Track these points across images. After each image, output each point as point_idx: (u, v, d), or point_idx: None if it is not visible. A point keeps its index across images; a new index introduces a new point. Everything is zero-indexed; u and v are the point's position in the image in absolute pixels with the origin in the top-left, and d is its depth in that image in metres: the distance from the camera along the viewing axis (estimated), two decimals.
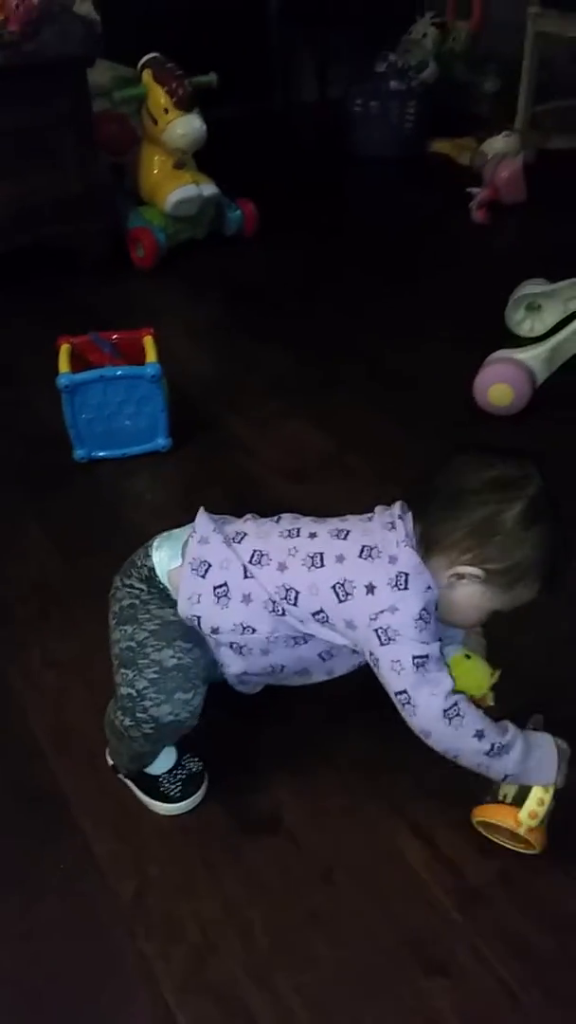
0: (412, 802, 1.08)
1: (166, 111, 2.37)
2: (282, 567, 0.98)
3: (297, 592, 0.97)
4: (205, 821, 1.08)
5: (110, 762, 1.12)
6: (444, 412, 1.85)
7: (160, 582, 1.04)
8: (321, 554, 0.97)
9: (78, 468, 1.71)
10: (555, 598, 1.00)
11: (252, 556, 1.00)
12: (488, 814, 1.00)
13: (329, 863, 1.03)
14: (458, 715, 0.93)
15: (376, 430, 1.80)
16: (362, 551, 0.96)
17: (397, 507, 1.00)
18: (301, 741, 1.17)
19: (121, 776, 1.11)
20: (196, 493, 1.60)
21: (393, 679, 0.94)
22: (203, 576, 1.00)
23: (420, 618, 0.93)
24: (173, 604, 1.03)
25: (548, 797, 0.96)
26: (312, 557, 0.97)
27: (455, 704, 0.93)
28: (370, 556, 0.96)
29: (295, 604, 0.97)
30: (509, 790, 0.99)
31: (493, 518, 0.93)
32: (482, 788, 1.02)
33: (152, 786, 1.08)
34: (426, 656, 0.93)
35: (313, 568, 0.97)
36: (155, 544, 1.07)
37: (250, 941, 0.96)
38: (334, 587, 0.95)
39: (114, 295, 2.36)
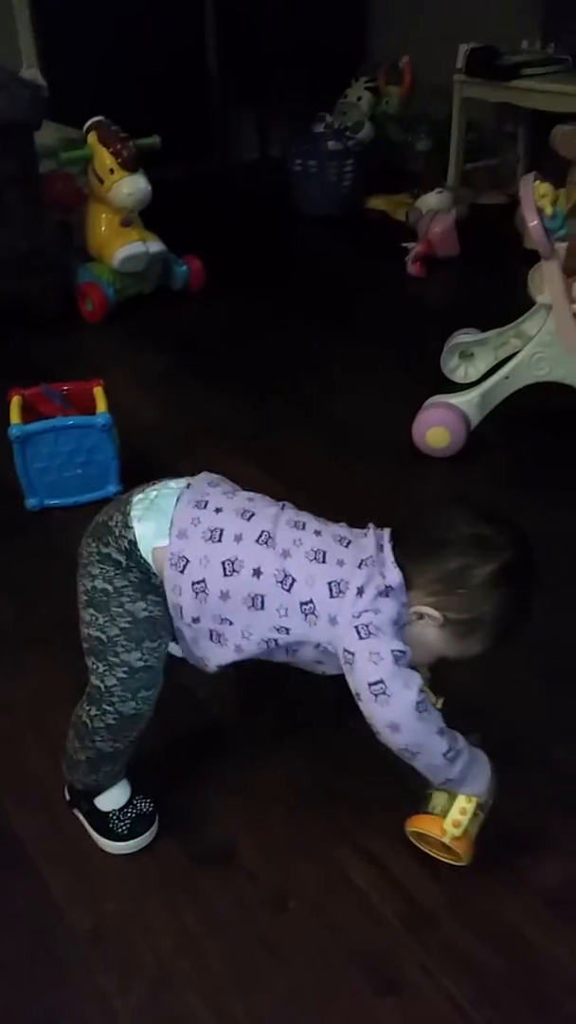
0: (359, 828, 1.13)
1: (112, 171, 2.45)
2: (286, 554, 1.00)
3: (294, 579, 0.99)
4: (159, 855, 1.11)
5: (67, 796, 1.14)
6: (385, 454, 1.92)
7: (142, 557, 1.01)
8: (325, 552, 1.00)
9: (30, 516, 1.74)
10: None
11: (260, 536, 1.00)
12: (418, 824, 1.04)
13: (282, 891, 1.06)
14: (427, 710, 0.98)
15: (321, 471, 1.87)
16: (361, 563, 1.00)
17: (386, 534, 1.04)
18: (247, 773, 1.20)
19: (77, 813, 1.13)
20: None
21: (370, 670, 0.96)
22: (182, 572, 0.99)
23: (396, 623, 0.98)
24: (146, 592, 1.02)
25: (470, 808, 1.01)
26: (316, 552, 1.00)
27: (424, 700, 0.98)
28: (366, 566, 1.00)
29: (288, 591, 0.99)
30: (438, 802, 1.03)
31: (464, 571, 0.97)
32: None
33: (102, 823, 1.11)
34: (404, 652, 0.97)
35: (315, 562, 1.00)
36: (135, 513, 1.02)
37: (205, 970, 0.99)
38: (330, 584, 0.99)
39: (64, 348, 2.41)
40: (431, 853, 1.07)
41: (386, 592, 0.98)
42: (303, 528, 1.02)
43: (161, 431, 2.05)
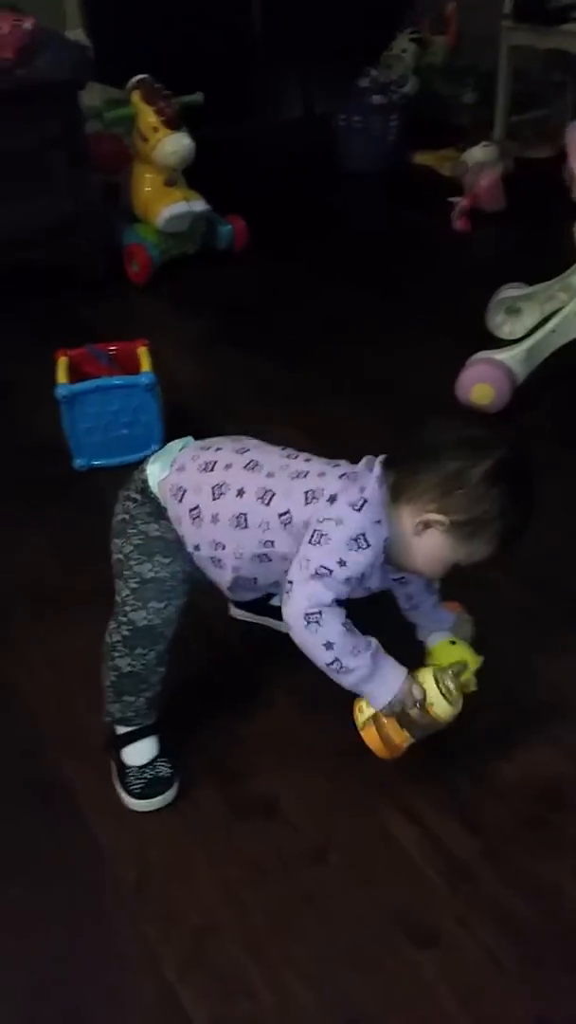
0: (400, 784, 1.13)
1: (155, 130, 2.43)
2: (270, 475, 1.08)
3: (273, 494, 1.06)
4: (202, 808, 1.13)
5: (105, 738, 1.17)
6: (430, 412, 1.89)
7: (152, 492, 1.13)
8: (308, 471, 1.07)
9: (77, 476, 1.76)
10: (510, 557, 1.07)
11: (248, 463, 1.09)
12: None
13: (322, 845, 1.08)
14: (317, 623, 1.00)
15: (362, 433, 1.84)
16: (343, 475, 1.06)
17: (380, 457, 1.08)
18: (286, 732, 1.22)
19: (111, 760, 1.16)
20: None
21: (294, 569, 1.02)
22: (180, 501, 1.10)
23: (356, 539, 1.01)
24: (159, 518, 1.12)
25: (369, 710, 1.06)
26: (299, 472, 1.08)
27: (319, 613, 1.00)
28: (346, 478, 1.06)
29: (268, 504, 1.05)
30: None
31: (461, 472, 1.01)
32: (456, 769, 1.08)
33: (122, 776, 1.14)
34: (330, 571, 1.00)
35: (297, 479, 1.07)
36: (151, 458, 1.17)
37: (247, 921, 1.01)
38: (306, 492, 1.05)
39: (110, 310, 2.41)
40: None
41: (359, 505, 1.01)
42: (294, 457, 1.11)
43: (205, 392, 2.05)
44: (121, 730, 1.15)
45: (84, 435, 1.71)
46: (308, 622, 1.00)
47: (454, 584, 1.19)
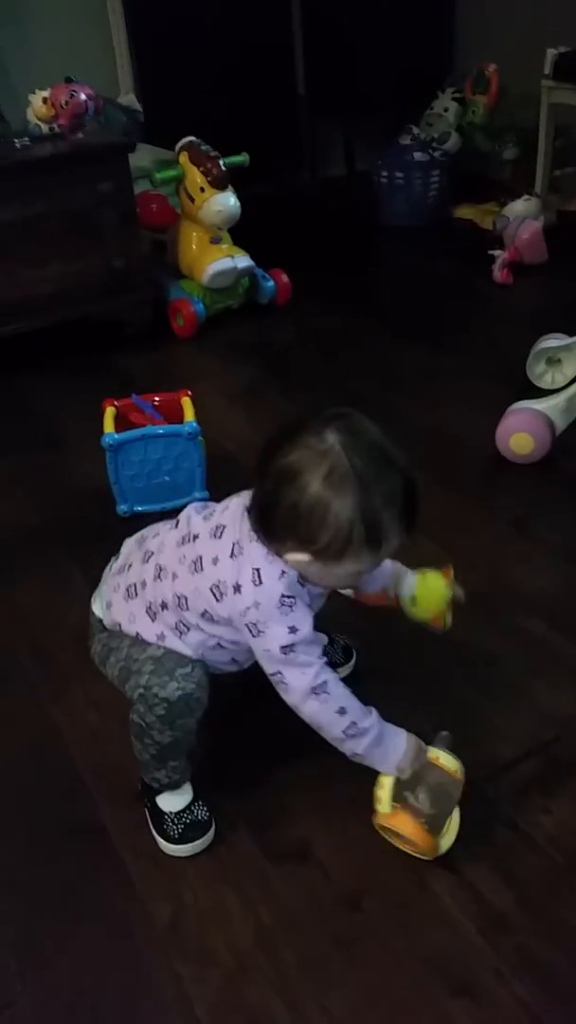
0: None
1: (202, 190, 2.52)
2: (175, 576, 1.07)
3: (186, 597, 1.06)
4: (237, 851, 1.13)
5: (139, 787, 1.18)
6: (470, 462, 1.92)
7: (107, 626, 1.15)
8: (201, 557, 1.05)
9: (121, 522, 1.80)
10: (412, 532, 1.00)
11: (156, 572, 1.09)
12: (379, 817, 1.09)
13: (356, 891, 1.07)
14: (325, 692, 1.03)
15: None
16: (232, 549, 1.02)
17: (243, 500, 1.05)
18: (321, 777, 1.21)
19: (145, 807, 1.17)
20: None
21: (268, 664, 1.04)
22: (122, 631, 1.12)
23: (282, 604, 1.00)
24: None
25: (388, 783, 1.07)
26: (195, 562, 1.05)
27: (324, 683, 1.03)
28: (239, 554, 1.02)
29: (188, 608, 1.06)
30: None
31: (295, 504, 0.94)
32: (494, 818, 1.07)
33: (159, 823, 1.14)
34: (292, 644, 1.01)
35: (196, 573, 1.05)
36: (93, 597, 1.20)
37: (280, 966, 1.01)
38: (211, 589, 1.04)
39: (155, 362, 2.49)
40: (399, 846, 1.10)
41: (258, 578, 1.00)
42: (191, 541, 1.07)
43: (248, 441, 2.08)
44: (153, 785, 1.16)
45: (128, 482, 1.76)
46: (317, 694, 1.03)
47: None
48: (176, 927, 1.06)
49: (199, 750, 1.16)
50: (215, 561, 1.03)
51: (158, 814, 1.15)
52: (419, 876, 1.08)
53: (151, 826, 1.15)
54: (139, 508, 1.80)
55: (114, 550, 1.73)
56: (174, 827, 1.13)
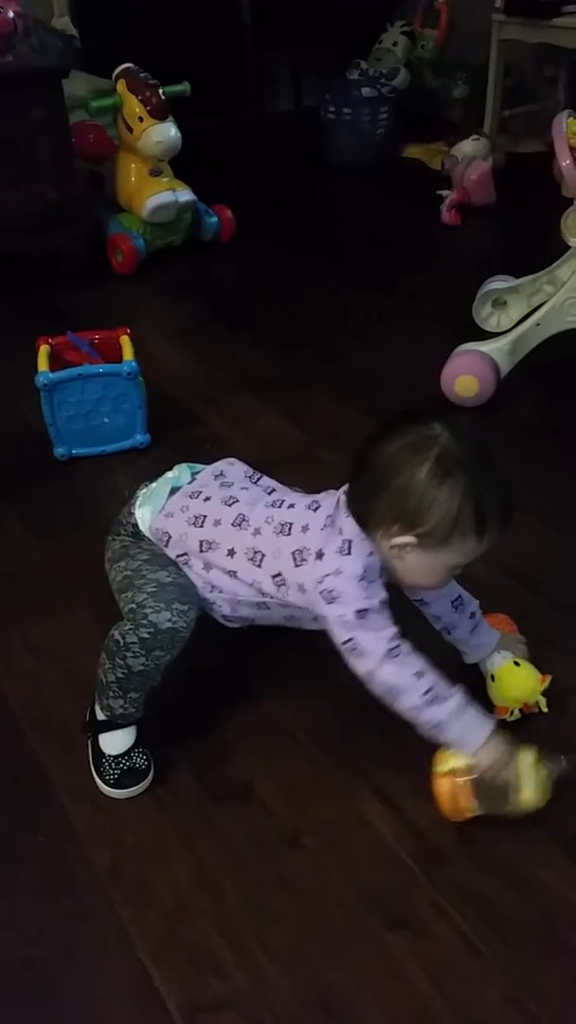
0: (373, 769, 1.13)
1: (141, 120, 2.42)
2: (257, 532, 1.08)
3: (264, 555, 1.07)
4: (178, 792, 1.12)
5: (86, 718, 1.16)
6: (414, 404, 1.89)
7: (144, 535, 1.15)
8: (291, 524, 1.07)
9: (58, 466, 1.75)
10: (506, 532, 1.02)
11: (235, 519, 1.10)
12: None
13: (297, 829, 1.08)
14: (400, 655, 1.00)
15: (347, 423, 1.85)
16: (325, 522, 1.05)
17: (344, 487, 1.07)
18: (264, 716, 1.21)
19: (87, 740, 1.15)
20: None
21: (340, 631, 1.02)
22: (166, 545, 1.13)
23: (363, 578, 1.01)
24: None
25: (462, 764, 1.01)
26: (283, 525, 1.07)
27: (398, 646, 1.00)
28: (330, 526, 1.05)
29: (260, 566, 1.07)
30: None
31: (406, 485, 0.97)
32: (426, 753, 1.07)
33: (98, 762, 1.13)
34: (367, 609, 1.01)
35: (281, 535, 1.07)
36: (138, 501, 1.18)
37: (221, 903, 1.01)
38: (293, 553, 1.05)
39: (94, 299, 2.41)
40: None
41: (347, 549, 1.01)
42: (279, 506, 1.10)
43: (189, 382, 2.05)
44: (103, 715, 1.14)
45: (65, 424, 1.71)
46: (393, 657, 1.00)
47: None
48: (117, 869, 1.05)
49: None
50: (304, 529, 1.06)
51: (98, 754, 1.13)
52: (360, 813, 1.09)
53: (91, 763, 1.14)
54: (78, 451, 1.75)
55: (55, 495, 1.70)
56: (111, 771, 1.12)
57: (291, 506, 1.10)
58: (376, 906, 0.99)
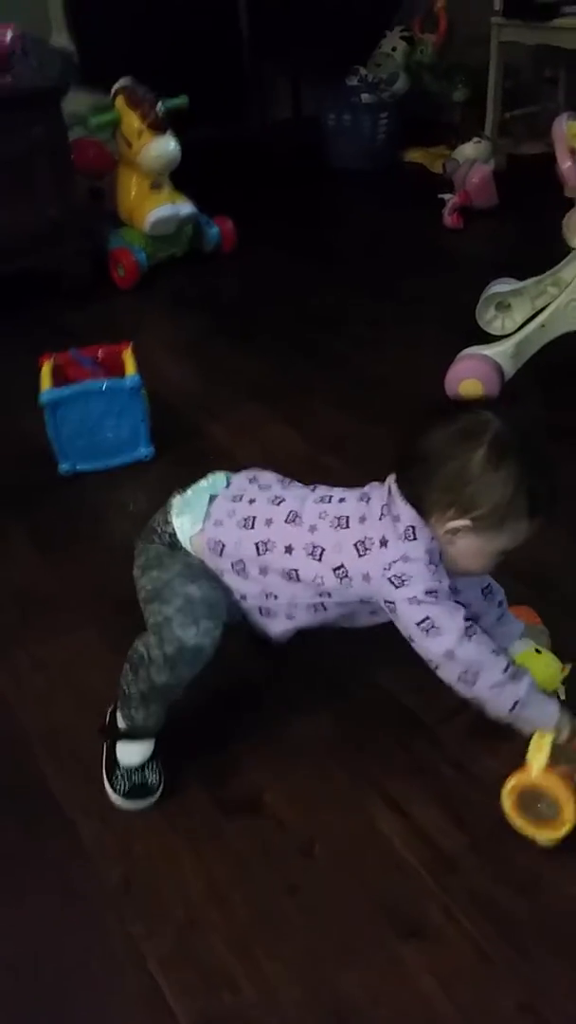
0: (385, 777, 1.13)
1: (140, 134, 2.44)
2: (313, 528, 1.07)
3: (323, 549, 1.06)
4: (188, 805, 1.12)
5: (107, 720, 1.16)
6: (418, 410, 1.89)
7: (181, 545, 1.13)
8: (348, 517, 1.07)
9: (63, 481, 1.76)
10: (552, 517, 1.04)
11: (288, 516, 1.09)
12: (507, 785, 1.03)
13: (308, 839, 1.07)
14: (477, 633, 1.01)
15: (352, 430, 1.85)
16: (382, 511, 1.06)
17: (392, 476, 1.08)
18: (274, 726, 1.21)
19: (104, 745, 1.15)
20: None
21: (414, 612, 1.01)
22: (220, 555, 1.10)
23: (430, 562, 1.02)
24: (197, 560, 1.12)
25: (547, 742, 1.00)
26: (339, 519, 1.07)
27: (472, 624, 1.02)
28: (387, 514, 1.05)
29: (320, 560, 1.06)
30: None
31: (462, 469, 0.99)
32: (448, 762, 1.06)
33: (111, 770, 1.13)
34: (436, 590, 1.02)
35: (339, 528, 1.06)
36: (175, 510, 1.15)
37: (232, 916, 1.00)
38: (356, 544, 1.05)
39: (96, 314, 2.42)
40: (531, 832, 1.03)
41: (411, 534, 1.02)
42: (329, 501, 1.10)
43: (194, 393, 2.05)
44: (123, 724, 1.14)
45: (69, 440, 1.71)
46: (471, 635, 1.01)
47: None
48: (128, 885, 1.04)
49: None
50: (362, 520, 1.06)
51: (113, 762, 1.13)
52: (369, 820, 1.09)
53: (103, 768, 1.14)
54: (82, 466, 1.76)
55: (60, 511, 1.71)
56: (122, 782, 1.12)
57: (341, 500, 1.10)
58: (388, 915, 0.99)
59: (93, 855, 1.08)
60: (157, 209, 2.48)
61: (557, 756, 1.01)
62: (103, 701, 1.18)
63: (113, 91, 2.51)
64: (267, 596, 1.10)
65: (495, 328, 2.12)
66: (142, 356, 1.79)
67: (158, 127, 2.43)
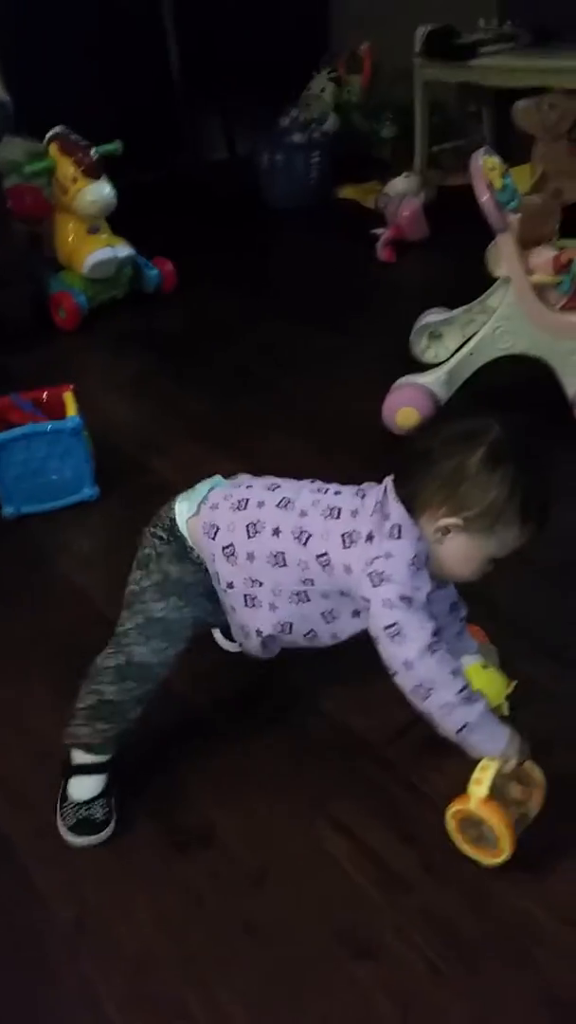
0: (334, 802, 1.14)
1: (75, 180, 2.48)
2: (303, 513, 1.09)
3: (310, 535, 1.07)
4: (139, 842, 1.12)
5: (65, 741, 1.16)
6: (360, 439, 1.94)
7: (179, 531, 1.14)
8: (340, 508, 1.08)
9: (8, 525, 1.76)
10: (543, 531, 1.06)
11: (280, 501, 1.10)
12: (450, 809, 1.04)
13: (260, 868, 1.08)
14: (440, 651, 1.01)
15: (297, 462, 1.86)
16: (374, 507, 1.07)
17: (389, 476, 1.09)
18: (224, 760, 1.22)
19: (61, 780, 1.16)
20: (125, 538, 1.65)
21: (385, 614, 1.01)
22: (213, 538, 1.11)
23: (412, 563, 1.03)
24: (182, 559, 1.13)
25: (493, 768, 1.01)
26: (331, 509, 1.08)
27: (438, 641, 1.02)
28: (378, 511, 1.06)
29: (305, 545, 1.07)
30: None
31: (459, 468, 1.01)
32: (396, 782, 1.08)
33: (63, 801, 1.14)
34: (411, 598, 1.02)
35: (330, 518, 1.07)
36: (179, 497, 1.18)
37: (187, 952, 1.00)
38: (343, 535, 1.06)
39: (39, 358, 2.43)
40: (472, 854, 1.05)
41: (396, 533, 1.03)
42: (324, 492, 1.11)
43: (138, 432, 2.07)
44: (77, 759, 1.15)
45: (12, 483, 1.72)
46: (433, 651, 1.00)
47: None
48: (80, 925, 1.04)
49: (126, 737, 1.14)
50: (354, 513, 1.07)
51: (64, 795, 1.14)
52: (319, 845, 1.10)
53: (58, 801, 1.14)
54: (27, 509, 1.76)
55: (6, 554, 1.70)
56: (70, 816, 1.12)
57: (337, 492, 1.11)
58: (341, 938, 1.00)
59: (48, 900, 1.07)
60: (95, 252, 2.51)
61: (500, 787, 1.03)
62: (53, 746, 1.17)
63: (46, 139, 2.55)
64: (252, 583, 1.10)
65: (429, 357, 2.18)
66: (86, 397, 1.81)
67: (92, 173, 2.47)
